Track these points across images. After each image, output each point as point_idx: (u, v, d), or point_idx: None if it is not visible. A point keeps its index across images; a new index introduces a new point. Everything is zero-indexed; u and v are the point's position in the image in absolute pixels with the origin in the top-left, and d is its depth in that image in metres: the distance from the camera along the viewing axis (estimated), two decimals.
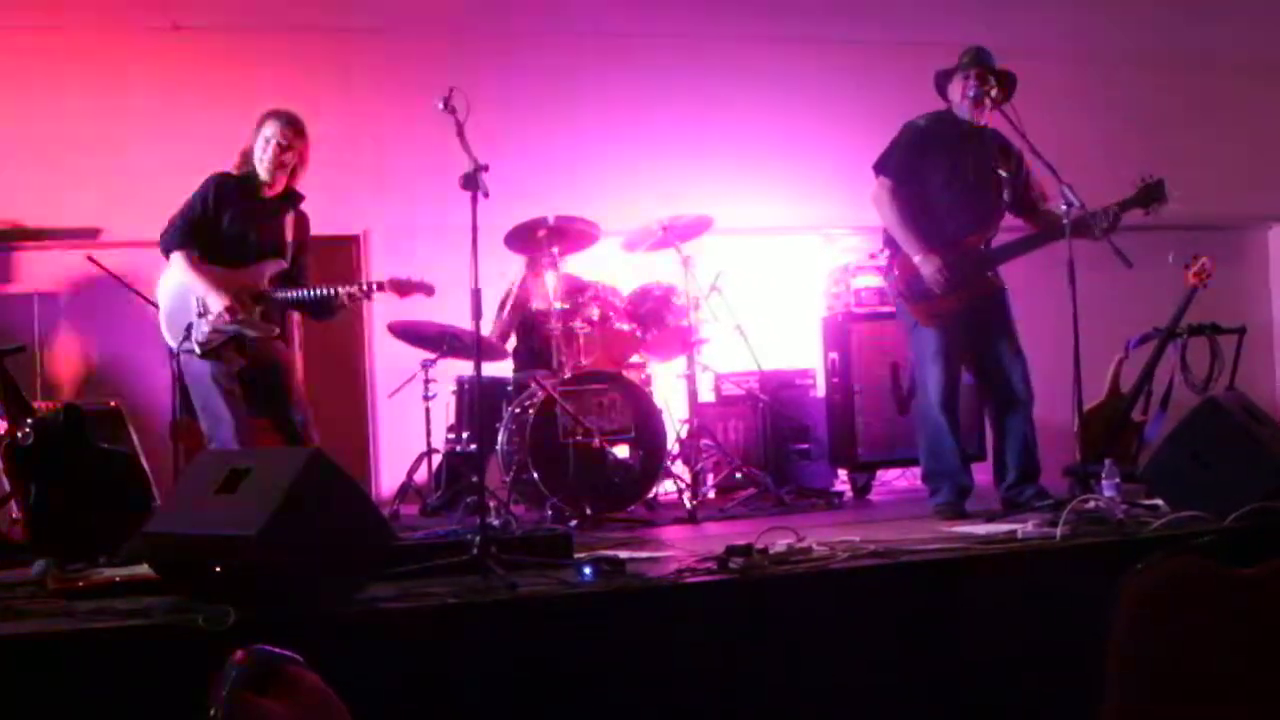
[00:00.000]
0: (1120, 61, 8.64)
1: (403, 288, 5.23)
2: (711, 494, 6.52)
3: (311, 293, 5.19)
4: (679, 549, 4.57)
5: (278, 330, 5.28)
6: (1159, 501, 4.74)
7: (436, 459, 6.57)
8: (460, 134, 4.31)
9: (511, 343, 6.80)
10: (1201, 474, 4.59)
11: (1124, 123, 8.39)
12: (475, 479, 5.22)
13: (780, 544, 4.10)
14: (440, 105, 4.29)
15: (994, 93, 5.36)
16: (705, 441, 6.49)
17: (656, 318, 6.37)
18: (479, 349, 4.43)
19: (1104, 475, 4.96)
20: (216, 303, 5.04)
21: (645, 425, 6.00)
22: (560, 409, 5.79)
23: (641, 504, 6.08)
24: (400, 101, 7.31)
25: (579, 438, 5.79)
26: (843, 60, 8.23)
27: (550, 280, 6.12)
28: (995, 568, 4.10)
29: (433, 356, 6.44)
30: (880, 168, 5.51)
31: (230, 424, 5.06)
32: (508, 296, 6.74)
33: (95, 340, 7.24)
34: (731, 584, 3.75)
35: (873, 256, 6.93)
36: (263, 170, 5.17)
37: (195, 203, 5.15)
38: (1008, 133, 5.40)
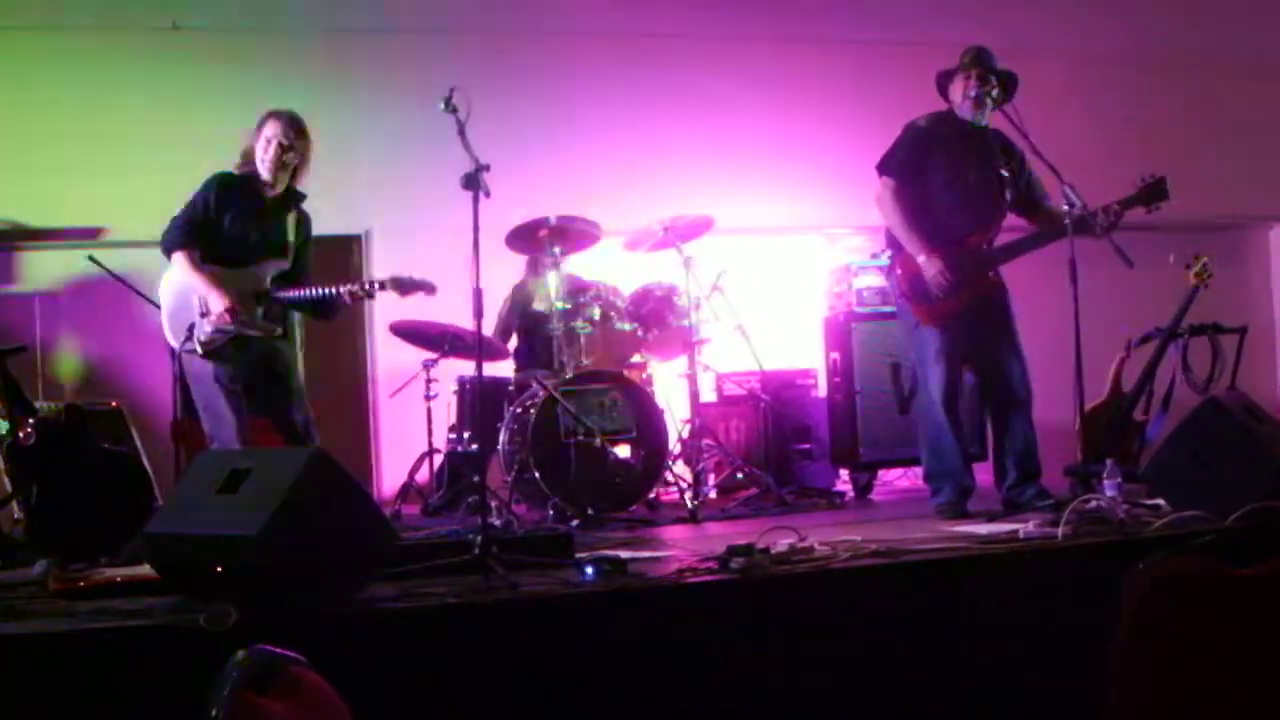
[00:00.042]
0: (1121, 62, 8.63)
1: (404, 287, 5.23)
2: (713, 494, 6.52)
3: (313, 292, 5.19)
4: (680, 549, 4.57)
5: (280, 330, 5.28)
6: (1160, 501, 4.73)
7: (438, 459, 6.57)
8: (461, 134, 4.31)
9: (513, 343, 6.81)
10: (1203, 474, 4.59)
11: (1125, 123, 8.39)
12: (477, 479, 5.22)
13: (782, 544, 4.10)
14: (441, 105, 4.28)
15: (995, 93, 5.36)
16: (707, 441, 6.49)
17: (658, 318, 6.37)
18: (480, 349, 4.44)
19: (1105, 475, 4.96)
20: (218, 303, 5.04)
21: (647, 425, 6.00)
22: (562, 409, 5.78)
23: (643, 504, 6.08)
24: (400, 101, 7.31)
25: (580, 437, 5.79)
26: (843, 60, 8.23)
27: (552, 280, 6.12)
28: (997, 567, 4.10)
29: (434, 356, 6.44)
30: (883, 168, 5.51)
31: (232, 424, 5.06)
32: (506, 300, 6.76)
33: (96, 340, 7.24)
34: (733, 584, 3.75)
35: (873, 256, 6.94)
36: (264, 170, 5.17)
37: (197, 203, 5.15)
38: (1009, 132, 5.40)
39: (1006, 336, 5.49)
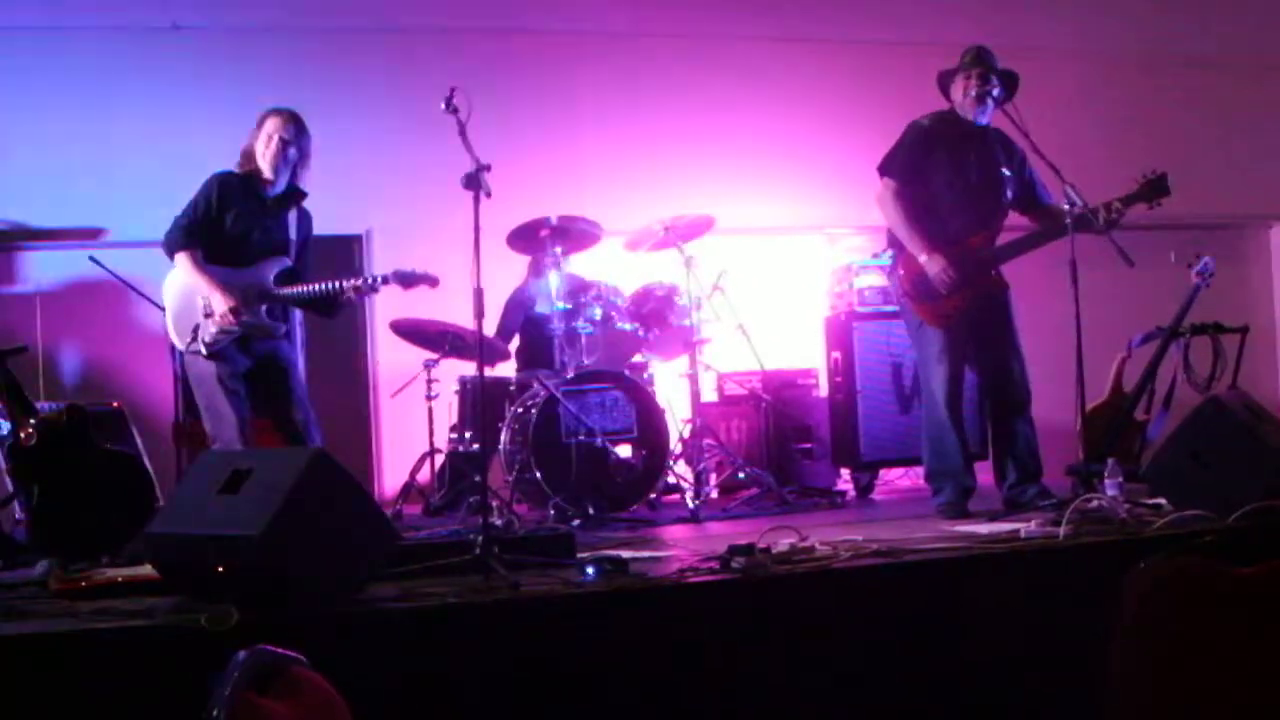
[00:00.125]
0: (1121, 61, 8.64)
1: (407, 280, 5.22)
2: (714, 493, 6.52)
3: (316, 288, 5.19)
4: (681, 548, 4.56)
5: (283, 328, 5.29)
6: (1161, 500, 4.73)
7: (439, 459, 6.57)
8: (462, 133, 4.31)
9: (514, 343, 6.82)
10: (1204, 473, 4.58)
11: (1125, 122, 8.40)
12: (478, 479, 5.22)
13: (783, 543, 4.10)
14: (442, 105, 4.29)
15: (996, 92, 5.36)
16: (708, 441, 6.49)
17: (659, 317, 6.37)
18: (481, 349, 4.44)
19: (1107, 474, 4.96)
20: (222, 304, 5.03)
21: (648, 425, 6.00)
22: (563, 409, 5.79)
23: (644, 503, 6.08)
24: (401, 101, 7.32)
25: (581, 437, 5.79)
26: (843, 60, 8.24)
27: (553, 280, 6.12)
28: (998, 567, 4.10)
29: (435, 356, 6.45)
30: (884, 168, 5.50)
31: (233, 424, 5.06)
32: (508, 300, 6.76)
33: (98, 340, 7.25)
34: (734, 584, 3.75)
35: (875, 256, 6.94)
36: (266, 166, 5.16)
37: (198, 203, 5.15)
38: (1010, 132, 5.40)
39: (1008, 336, 5.49)
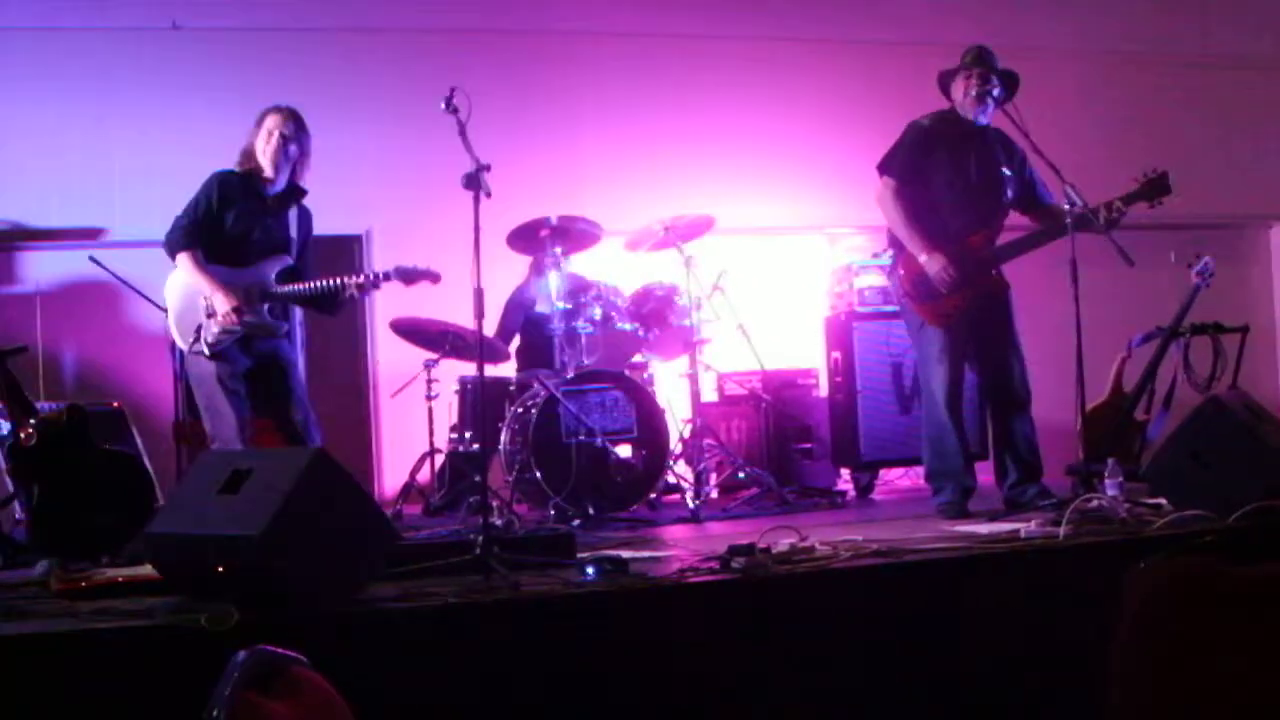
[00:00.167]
0: (1122, 61, 8.64)
1: (409, 276, 5.23)
2: (714, 493, 6.52)
3: (318, 285, 5.19)
4: (682, 548, 4.56)
5: (285, 327, 5.29)
6: (1162, 500, 4.73)
7: (439, 459, 6.57)
8: (462, 133, 4.31)
9: (515, 343, 6.81)
10: (1204, 473, 4.59)
11: (1125, 122, 8.40)
12: (478, 479, 5.22)
13: (783, 543, 4.10)
14: (442, 105, 4.29)
15: (996, 92, 5.36)
16: (708, 441, 6.49)
17: (659, 317, 6.37)
18: (481, 348, 4.44)
19: (1107, 474, 4.97)
20: (224, 304, 5.03)
21: (648, 425, 6.00)
22: (563, 409, 5.79)
23: (644, 504, 6.08)
24: (401, 101, 7.31)
25: (582, 437, 5.79)
26: (844, 60, 8.24)
27: (553, 280, 6.12)
28: (998, 567, 4.10)
29: (435, 356, 6.45)
30: (884, 168, 5.50)
31: (233, 423, 5.06)
32: (509, 300, 6.76)
33: (98, 341, 7.24)
34: (734, 584, 3.75)
35: (875, 256, 6.94)
36: (267, 163, 5.16)
37: (199, 202, 5.14)
38: (1011, 132, 5.40)
39: (1008, 335, 5.49)
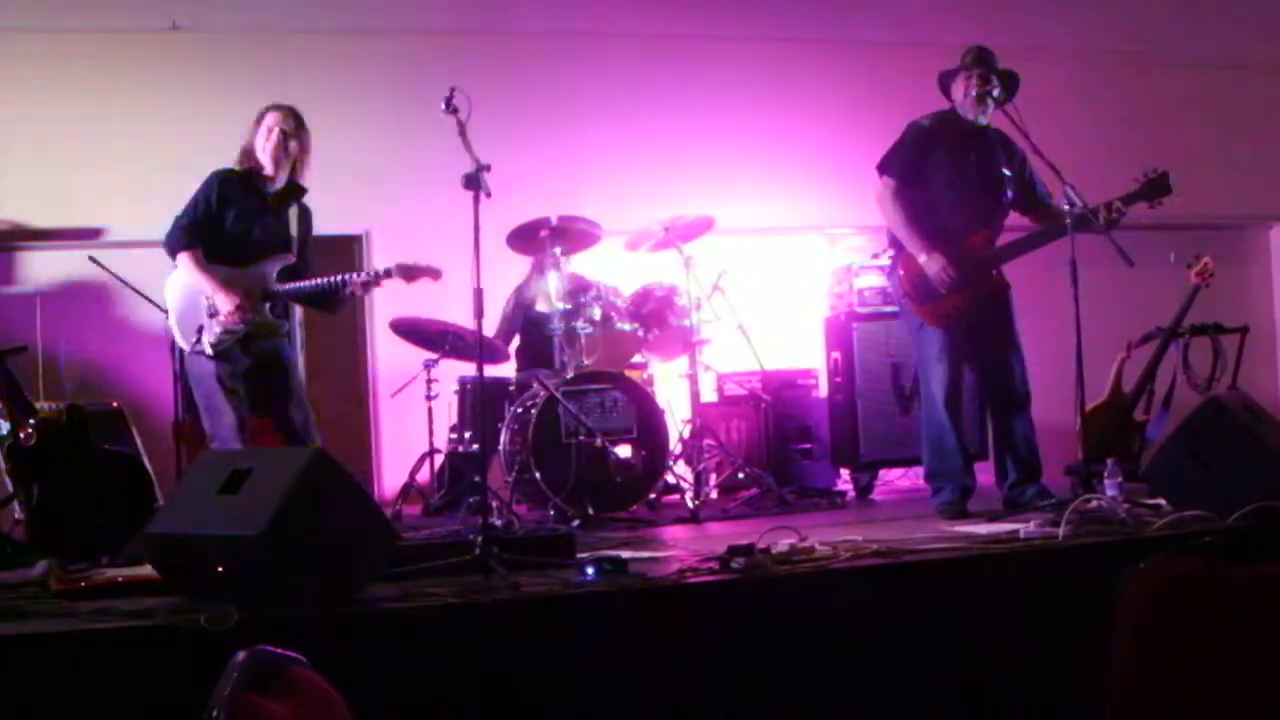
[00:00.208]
0: (1122, 61, 8.63)
1: (409, 273, 5.23)
2: (714, 494, 6.52)
3: (319, 283, 5.19)
4: (681, 549, 4.57)
5: (287, 327, 5.29)
6: (1161, 501, 4.73)
7: (439, 459, 6.57)
8: (462, 133, 4.31)
9: (515, 343, 6.81)
10: (1204, 473, 4.59)
11: (1125, 122, 8.39)
12: (478, 479, 5.22)
13: (782, 544, 4.10)
14: (442, 105, 4.29)
15: (996, 92, 5.36)
16: (708, 441, 6.49)
17: (658, 318, 6.37)
18: (481, 349, 4.44)
19: (1106, 475, 4.97)
20: (226, 303, 5.03)
21: (647, 425, 6.00)
22: (562, 409, 5.79)
23: (644, 504, 6.08)
24: (400, 101, 7.31)
25: (581, 438, 5.79)
26: (844, 60, 8.24)
27: (553, 280, 6.12)
28: (997, 567, 4.10)
29: (435, 356, 6.44)
30: (884, 168, 5.51)
31: (231, 422, 5.06)
32: (509, 300, 6.76)
33: (98, 341, 7.24)
34: (734, 584, 3.75)
35: (875, 256, 6.94)
36: (267, 160, 5.16)
37: (198, 201, 5.14)
38: (1011, 132, 5.40)
39: (1008, 335, 5.49)
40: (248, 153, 5.19)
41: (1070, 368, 5.08)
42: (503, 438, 5.96)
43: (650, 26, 7.97)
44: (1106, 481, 4.93)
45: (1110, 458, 5.18)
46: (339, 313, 5.53)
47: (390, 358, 7.33)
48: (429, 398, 6.50)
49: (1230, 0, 8.64)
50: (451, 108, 4.28)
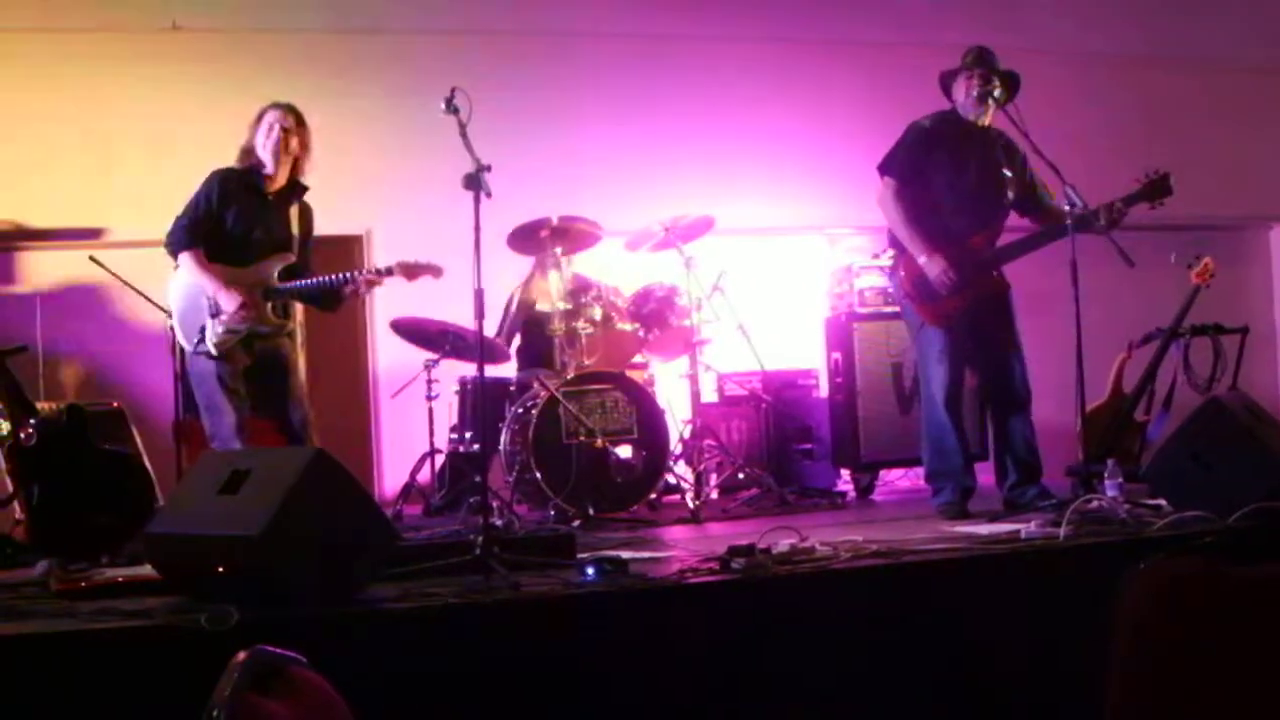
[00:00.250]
0: (1122, 62, 8.64)
1: (411, 270, 5.23)
2: (714, 494, 6.52)
3: (320, 281, 5.19)
4: (682, 549, 4.57)
5: (289, 326, 5.29)
6: (1162, 501, 4.73)
7: (439, 459, 6.57)
8: (462, 134, 4.31)
9: (515, 343, 6.81)
10: (1204, 474, 4.59)
11: (1126, 123, 8.40)
12: (478, 479, 5.22)
13: (783, 544, 4.10)
14: (443, 106, 4.28)
15: (997, 92, 5.36)
16: (708, 442, 6.49)
17: (659, 318, 6.37)
18: (482, 349, 4.44)
19: (1107, 475, 4.97)
20: (229, 303, 5.03)
21: (648, 425, 6.00)
22: (563, 409, 5.79)
23: (644, 504, 6.08)
24: (401, 101, 7.31)
25: (582, 438, 5.79)
26: (844, 60, 8.24)
27: (555, 280, 6.12)
28: (998, 568, 4.10)
29: (435, 357, 6.44)
30: (885, 168, 5.50)
31: (231, 421, 5.06)
32: (511, 300, 6.76)
33: (98, 341, 7.24)
34: (734, 584, 3.75)
35: (875, 257, 6.94)
36: (268, 157, 5.15)
37: (199, 201, 5.14)
38: (1011, 132, 5.40)
39: (1009, 336, 5.49)
40: (248, 151, 5.19)
41: (1071, 368, 5.08)
42: (503, 438, 5.96)
43: (650, 26, 7.97)
44: (1107, 482, 4.93)
45: (1111, 458, 5.18)
46: (339, 311, 5.52)
47: (391, 358, 7.33)
48: (429, 398, 6.50)
49: (1230, 0, 8.64)
50: (452, 108, 4.28)
